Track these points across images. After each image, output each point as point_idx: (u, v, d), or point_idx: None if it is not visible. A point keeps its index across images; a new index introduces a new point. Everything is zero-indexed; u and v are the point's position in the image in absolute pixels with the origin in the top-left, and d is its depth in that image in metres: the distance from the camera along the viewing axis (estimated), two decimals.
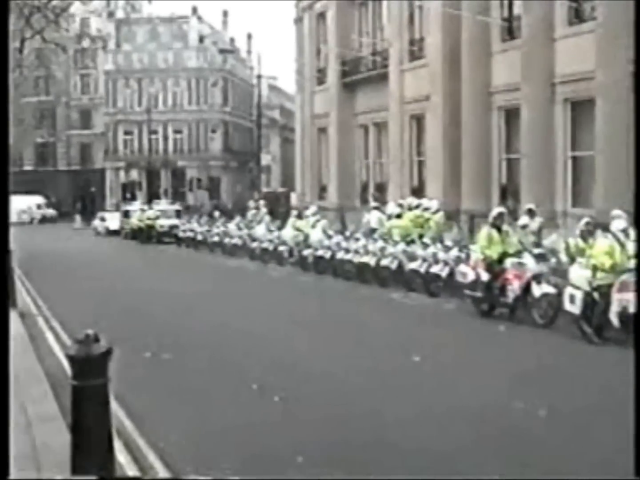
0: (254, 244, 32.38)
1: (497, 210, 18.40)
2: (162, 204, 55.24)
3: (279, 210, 46.07)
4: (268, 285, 24.86)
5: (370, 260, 23.20)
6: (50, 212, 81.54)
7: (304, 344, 14.12)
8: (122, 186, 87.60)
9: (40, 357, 12.17)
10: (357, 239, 24.93)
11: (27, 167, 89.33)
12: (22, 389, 9.85)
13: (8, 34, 3.16)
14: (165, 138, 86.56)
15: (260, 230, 32.85)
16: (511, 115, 30.56)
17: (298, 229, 29.25)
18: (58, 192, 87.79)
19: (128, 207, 54.40)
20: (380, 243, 23.42)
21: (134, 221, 48.14)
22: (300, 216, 30.55)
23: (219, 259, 34.00)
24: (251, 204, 41.61)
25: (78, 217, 71.65)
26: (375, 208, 28.83)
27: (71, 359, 6.16)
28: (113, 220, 55.53)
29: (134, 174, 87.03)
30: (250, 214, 37.61)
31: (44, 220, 78.32)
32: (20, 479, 3.32)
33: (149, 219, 46.39)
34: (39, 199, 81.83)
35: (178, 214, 49.50)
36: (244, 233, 34.45)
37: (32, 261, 29.80)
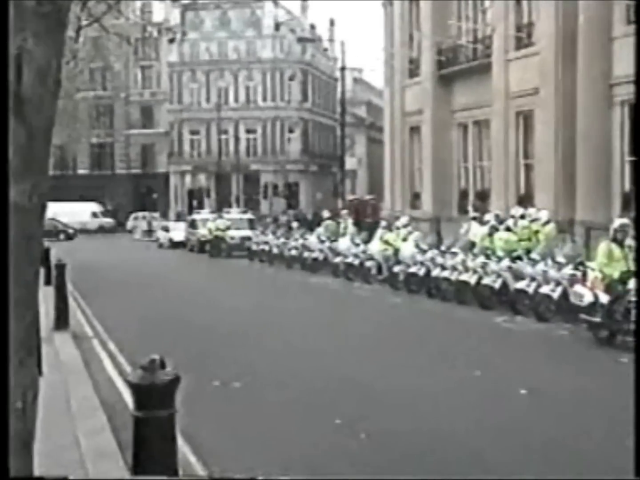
0: (338, 259, 32.44)
1: (619, 221, 18.15)
2: (233, 213, 55.92)
3: (365, 220, 46.12)
4: (353, 306, 24.85)
5: (470, 279, 23.11)
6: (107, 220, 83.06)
7: (395, 376, 14.03)
8: (188, 192, 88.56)
9: (96, 385, 12.31)
10: (455, 254, 24.79)
11: (81, 171, 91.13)
12: (76, 420, 9.98)
13: (8, 33, 3.24)
14: (237, 138, 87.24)
15: (344, 244, 32.84)
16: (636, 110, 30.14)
17: (387, 243, 29.21)
18: (116, 199, 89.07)
19: (195, 216, 55.12)
20: (481, 259, 23.29)
21: (202, 232, 48.81)
22: (389, 228, 30.49)
23: (298, 276, 34.13)
24: (325, 214, 41.52)
25: (139, 227, 72.81)
26: (474, 218, 28.69)
27: (134, 387, 6.18)
28: (178, 231, 56.38)
29: (202, 179, 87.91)
30: (325, 225, 37.67)
31: (102, 229, 79.88)
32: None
33: (218, 229, 46.84)
34: (94, 206, 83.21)
35: (251, 224, 50.04)
36: (326, 246, 34.55)
37: (88, 276, 30.31)
